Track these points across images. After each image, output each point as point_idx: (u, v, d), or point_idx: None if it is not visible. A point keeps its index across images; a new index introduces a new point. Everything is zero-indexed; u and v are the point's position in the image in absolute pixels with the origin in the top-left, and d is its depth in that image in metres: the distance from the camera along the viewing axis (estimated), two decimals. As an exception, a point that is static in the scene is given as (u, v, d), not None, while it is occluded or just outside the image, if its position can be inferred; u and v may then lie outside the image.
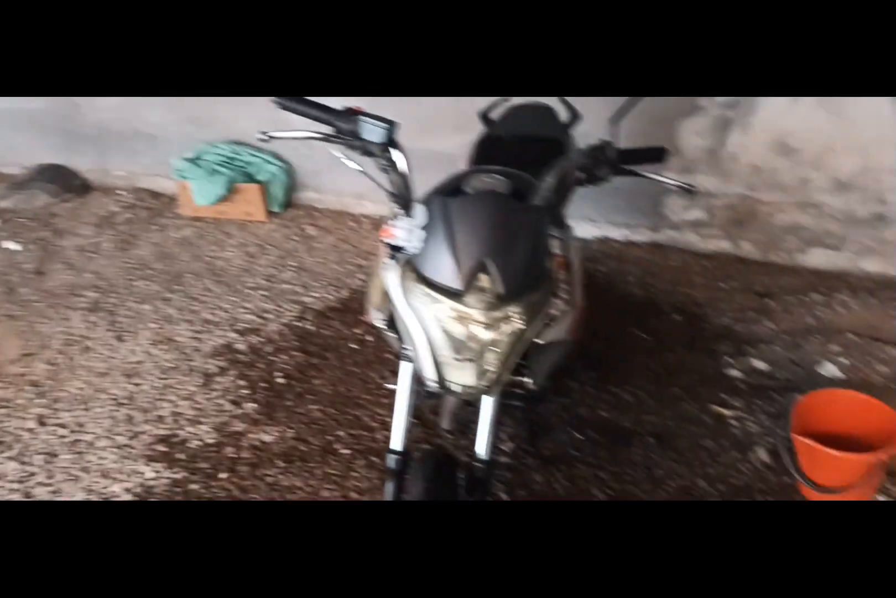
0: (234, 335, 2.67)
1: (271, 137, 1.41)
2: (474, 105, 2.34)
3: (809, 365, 2.46)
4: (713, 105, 2.76)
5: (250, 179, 3.41)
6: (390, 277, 1.29)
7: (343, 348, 2.61)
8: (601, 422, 2.25)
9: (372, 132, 1.32)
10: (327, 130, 1.40)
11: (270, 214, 3.52)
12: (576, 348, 1.65)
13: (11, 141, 3.74)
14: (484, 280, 1.21)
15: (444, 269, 1.21)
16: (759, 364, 2.46)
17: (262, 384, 2.42)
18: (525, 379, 1.67)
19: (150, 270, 3.09)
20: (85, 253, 3.22)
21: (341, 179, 3.30)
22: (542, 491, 2.00)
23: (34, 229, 3.38)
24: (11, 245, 3.23)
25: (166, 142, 3.53)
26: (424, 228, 1.25)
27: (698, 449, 2.14)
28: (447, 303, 1.22)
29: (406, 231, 1.27)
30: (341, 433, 2.22)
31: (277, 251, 3.25)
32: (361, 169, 1.41)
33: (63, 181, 3.67)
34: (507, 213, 1.27)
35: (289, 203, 3.62)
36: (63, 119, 3.58)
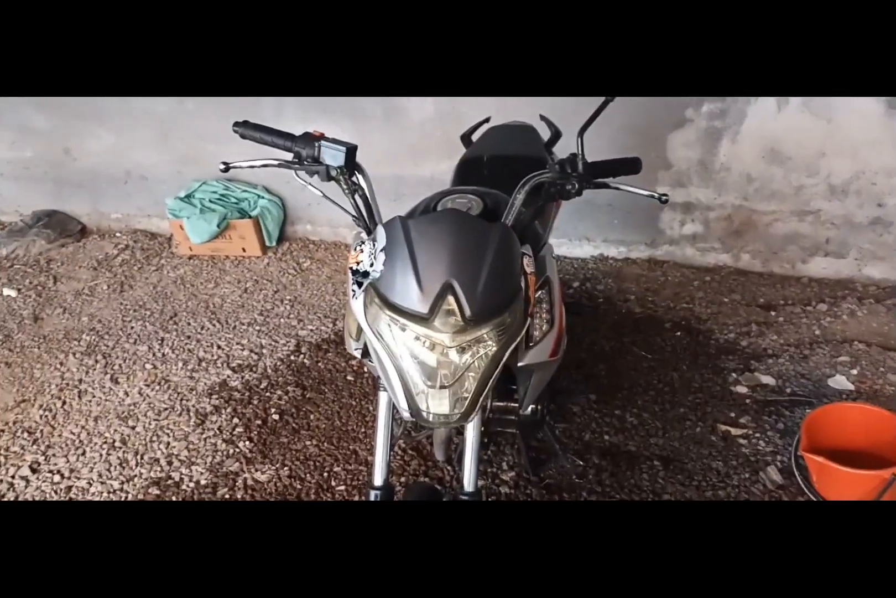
0: (228, 372, 2.63)
1: (232, 167, 1.39)
2: (460, 129, 2.32)
3: (818, 378, 2.37)
4: (700, 116, 2.72)
5: (244, 214, 3.42)
6: (356, 304, 1.24)
7: (339, 381, 2.56)
8: (605, 447, 2.17)
9: (332, 156, 1.30)
10: (289, 157, 1.37)
11: (266, 248, 3.51)
12: (562, 369, 1.59)
13: (5, 190, 3.79)
14: (451, 302, 1.15)
15: (408, 292, 1.16)
16: (767, 379, 2.37)
17: (257, 422, 2.37)
18: (513, 404, 1.61)
19: (146, 311, 3.08)
20: (82, 297, 3.22)
21: (334, 210, 3.27)
22: (544, 521, 1.92)
23: (31, 275, 3.39)
24: (8, 292, 3.24)
25: (158, 182, 3.55)
26: (385, 250, 1.21)
27: (707, 471, 2.05)
28: (414, 328, 1.16)
29: (369, 255, 1.23)
30: (337, 469, 2.16)
31: (273, 286, 3.23)
32: (324, 194, 1.38)
33: (60, 227, 3.70)
34: (470, 231, 1.21)
35: (283, 237, 3.62)
36: (55, 166, 3.63)
